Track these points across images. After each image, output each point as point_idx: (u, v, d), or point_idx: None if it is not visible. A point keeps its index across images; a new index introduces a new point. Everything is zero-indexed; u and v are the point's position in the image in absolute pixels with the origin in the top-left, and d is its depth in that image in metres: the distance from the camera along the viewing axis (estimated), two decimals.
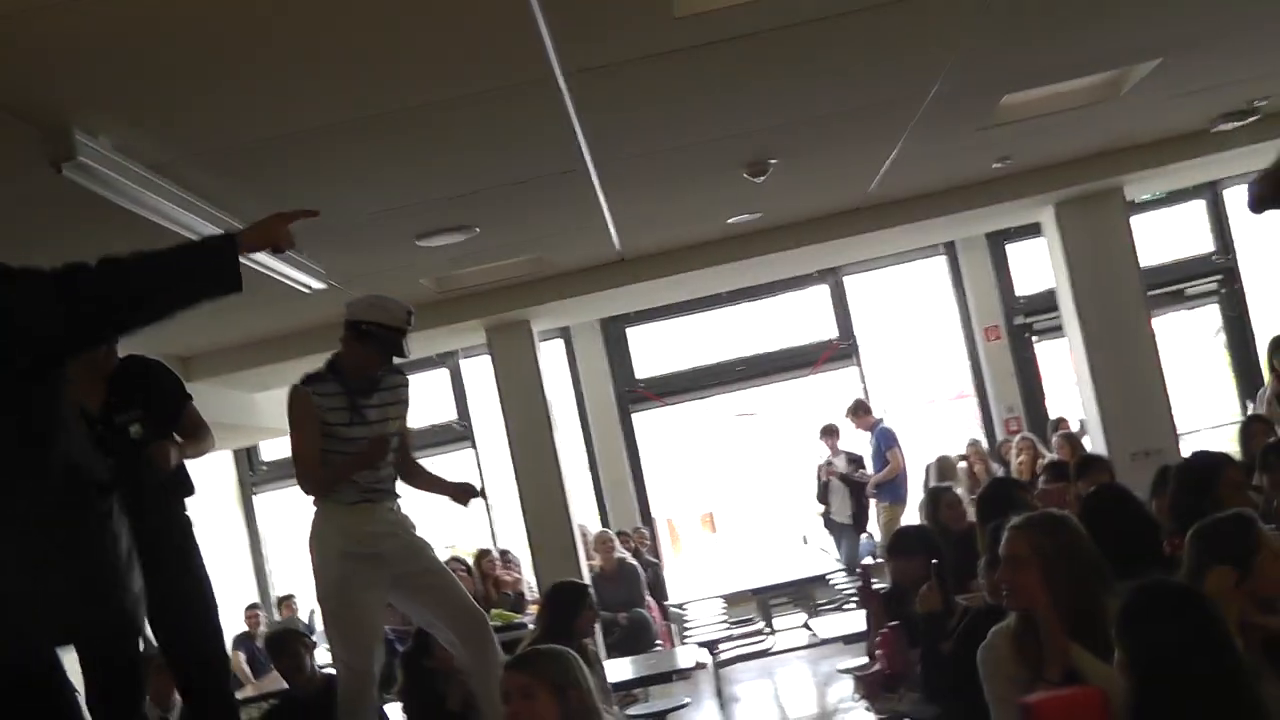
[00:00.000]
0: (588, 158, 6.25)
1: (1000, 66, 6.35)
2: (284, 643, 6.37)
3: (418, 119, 5.22)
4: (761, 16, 4.76)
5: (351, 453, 5.17)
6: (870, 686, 6.12)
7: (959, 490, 8.78)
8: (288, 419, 5.32)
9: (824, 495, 13.09)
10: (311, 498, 5.31)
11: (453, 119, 5.30)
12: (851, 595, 11.43)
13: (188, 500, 5.08)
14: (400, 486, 5.50)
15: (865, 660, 7.20)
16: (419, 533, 5.51)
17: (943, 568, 5.81)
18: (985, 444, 12.92)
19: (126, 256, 3.29)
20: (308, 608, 13.01)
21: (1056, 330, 11.89)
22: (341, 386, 5.23)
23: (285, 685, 6.56)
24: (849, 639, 7.97)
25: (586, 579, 10.16)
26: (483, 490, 5.80)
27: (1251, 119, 8.48)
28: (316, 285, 7.30)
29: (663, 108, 5.76)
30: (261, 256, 6.25)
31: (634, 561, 11.26)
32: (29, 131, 4.31)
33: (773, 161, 7.06)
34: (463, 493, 5.58)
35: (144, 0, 3.63)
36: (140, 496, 4.62)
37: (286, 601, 13.07)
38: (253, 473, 13.85)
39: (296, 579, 13.91)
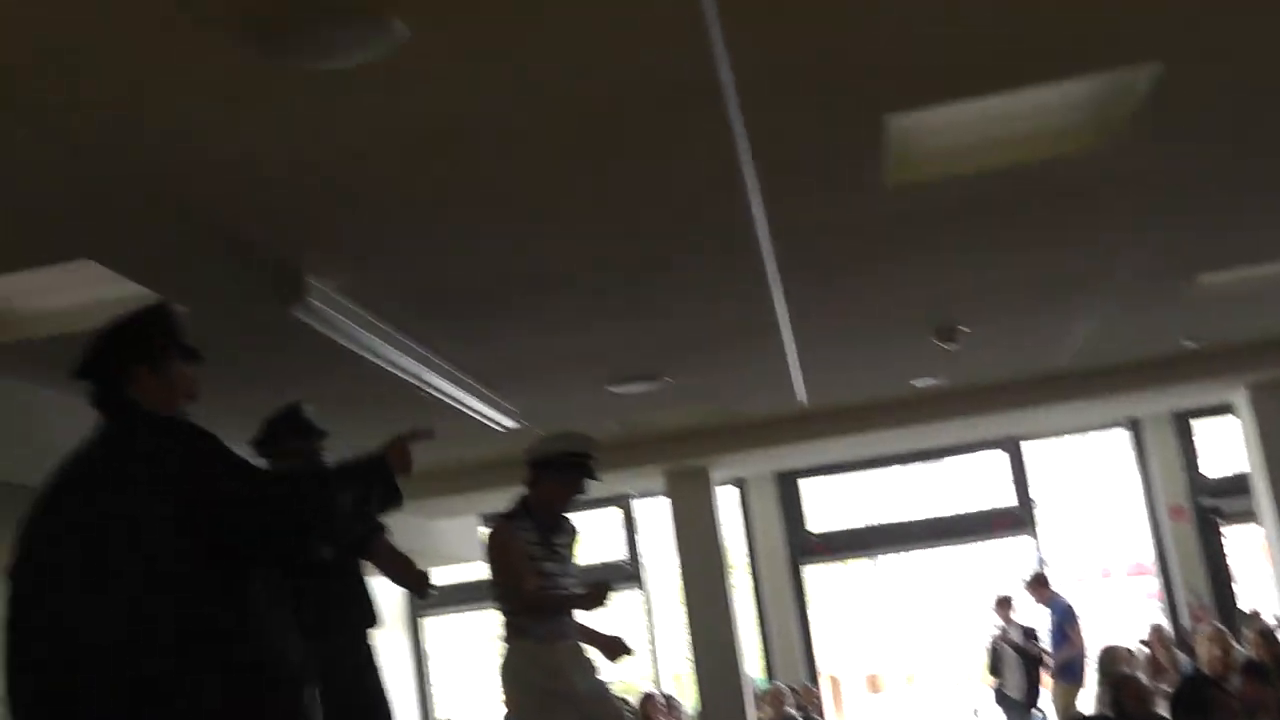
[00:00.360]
0: (782, 315, 6.40)
1: (1198, 246, 6.34)
2: None
3: (623, 275, 5.44)
4: (966, 191, 4.88)
5: (550, 589, 5.35)
6: None
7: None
8: (492, 552, 5.50)
9: (996, 667, 12.77)
10: (505, 633, 5.47)
11: (655, 276, 5.51)
12: None
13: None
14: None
15: None
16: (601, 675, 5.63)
17: None
18: (1170, 629, 12.50)
19: (317, 473, 3.49)
20: None
21: (1247, 515, 11.56)
22: (534, 524, 5.42)
23: None
24: None
25: None
26: (631, 649, 5.88)
27: None
28: (509, 424, 7.54)
29: (861, 270, 5.89)
30: (458, 393, 6.55)
31: (799, 717, 11.13)
32: (264, 273, 4.60)
33: (963, 329, 7.12)
34: (615, 648, 5.67)
35: (372, 158, 3.86)
36: (331, 620, 4.88)
37: None
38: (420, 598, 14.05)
39: (457, 703, 14.09)
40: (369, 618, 5.28)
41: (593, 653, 5.62)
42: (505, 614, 5.50)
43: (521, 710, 5.42)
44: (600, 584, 5.51)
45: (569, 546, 5.62)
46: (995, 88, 4.03)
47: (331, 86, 3.30)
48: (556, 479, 5.51)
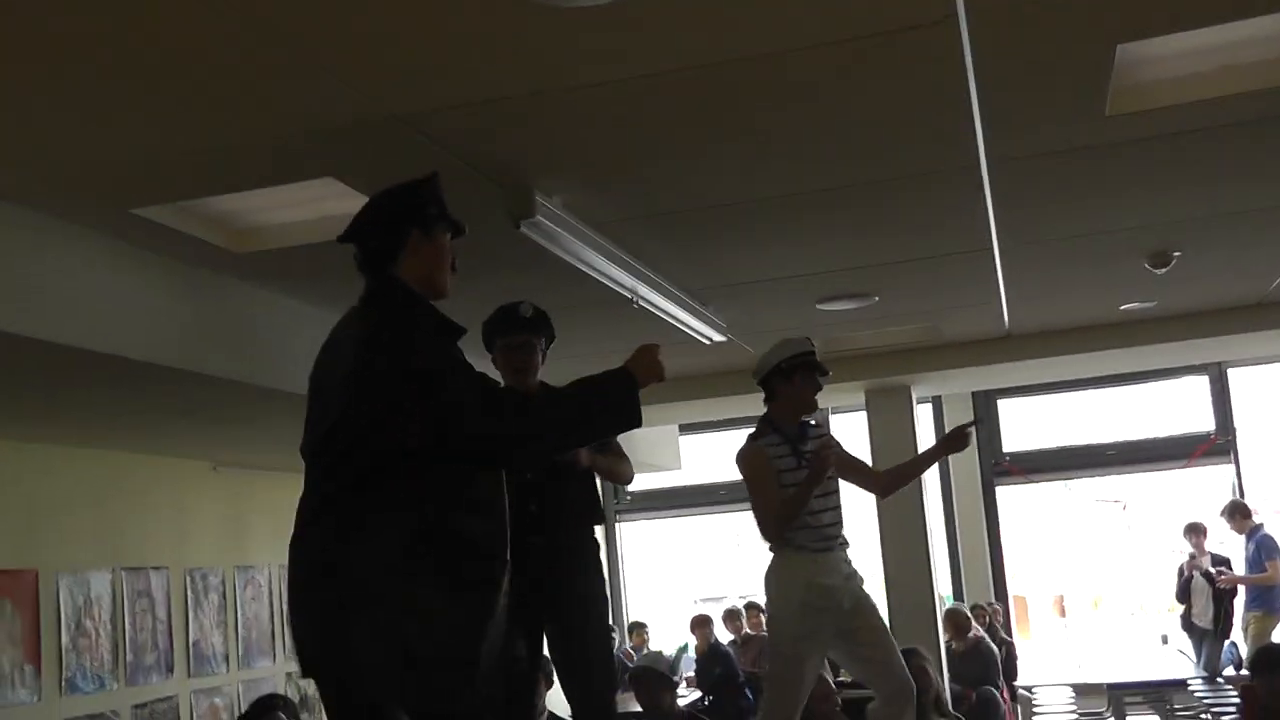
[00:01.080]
0: (994, 240, 6.45)
1: None
2: (646, 682, 6.71)
3: (840, 197, 5.55)
4: (1187, 117, 4.86)
5: (812, 508, 5.52)
6: None
7: None
8: (745, 475, 5.71)
9: (1185, 595, 12.67)
10: (770, 545, 5.70)
11: (872, 198, 5.60)
12: (1211, 705, 11.07)
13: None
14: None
15: None
16: (866, 587, 5.76)
17: None
18: None
19: (564, 392, 3.60)
20: (663, 642, 13.49)
21: None
22: (782, 437, 5.60)
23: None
24: None
25: (942, 649, 10.28)
26: (975, 422, 6.08)
27: None
28: (717, 337, 7.74)
29: (1076, 198, 5.91)
30: (670, 306, 6.76)
31: (989, 639, 11.22)
32: (495, 191, 4.85)
33: (1176, 254, 7.07)
34: (957, 439, 5.94)
35: (609, 90, 4.04)
36: (549, 516, 5.17)
37: (638, 630, 13.61)
38: (617, 501, 14.46)
39: (648, 608, 14.49)
40: (595, 513, 5.56)
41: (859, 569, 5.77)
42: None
43: (781, 619, 5.62)
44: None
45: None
46: (1228, 15, 4.04)
47: (577, 25, 3.49)
48: (788, 385, 5.67)
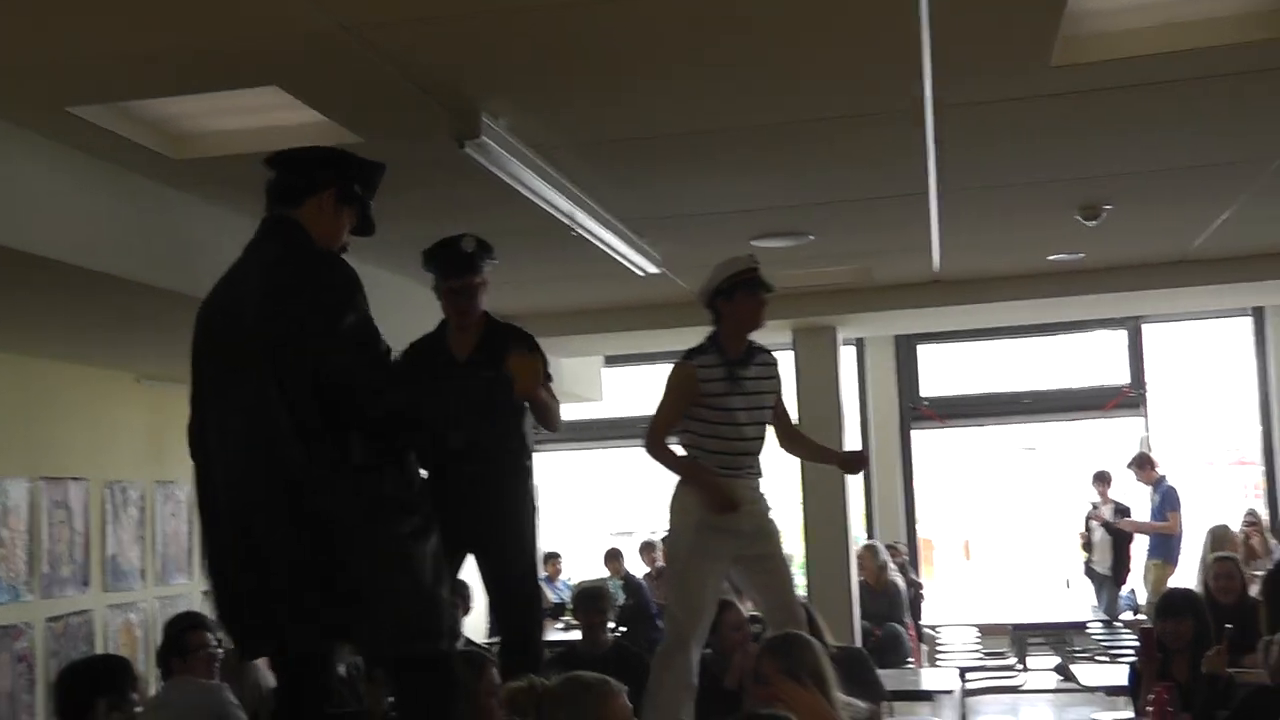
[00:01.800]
0: (932, 185, 6.50)
1: None
2: (596, 599, 6.80)
3: (783, 134, 5.57)
4: (1131, 73, 4.94)
5: (727, 423, 5.49)
6: None
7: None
8: (665, 385, 5.65)
9: (1088, 542, 13.02)
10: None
11: (815, 135, 5.63)
12: (1109, 646, 11.41)
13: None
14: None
15: (1127, 714, 7.24)
16: (772, 515, 5.76)
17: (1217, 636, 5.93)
18: (1265, 517, 12.60)
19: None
20: (577, 573, 13.56)
21: None
22: (720, 358, 5.58)
23: None
24: (1113, 690, 7.98)
25: (855, 590, 10.46)
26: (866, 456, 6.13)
27: None
28: (651, 269, 7.76)
29: (1016, 146, 5.98)
30: (607, 235, 6.76)
31: (896, 578, 11.43)
32: (441, 111, 4.81)
33: (1107, 207, 7.19)
34: (853, 461, 5.97)
35: (555, 7, 4.02)
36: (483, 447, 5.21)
37: (552, 560, 13.67)
38: (537, 431, 14.41)
39: (563, 539, 14.54)
40: (526, 444, 5.60)
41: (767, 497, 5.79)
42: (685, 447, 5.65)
43: (678, 536, 5.62)
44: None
45: (766, 380, 5.67)
46: None
47: None
48: (730, 305, 5.62)
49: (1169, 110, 5.51)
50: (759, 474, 5.69)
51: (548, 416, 5.51)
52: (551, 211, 6.03)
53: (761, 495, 5.70)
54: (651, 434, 5.56)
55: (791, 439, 5.96)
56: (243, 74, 4.48)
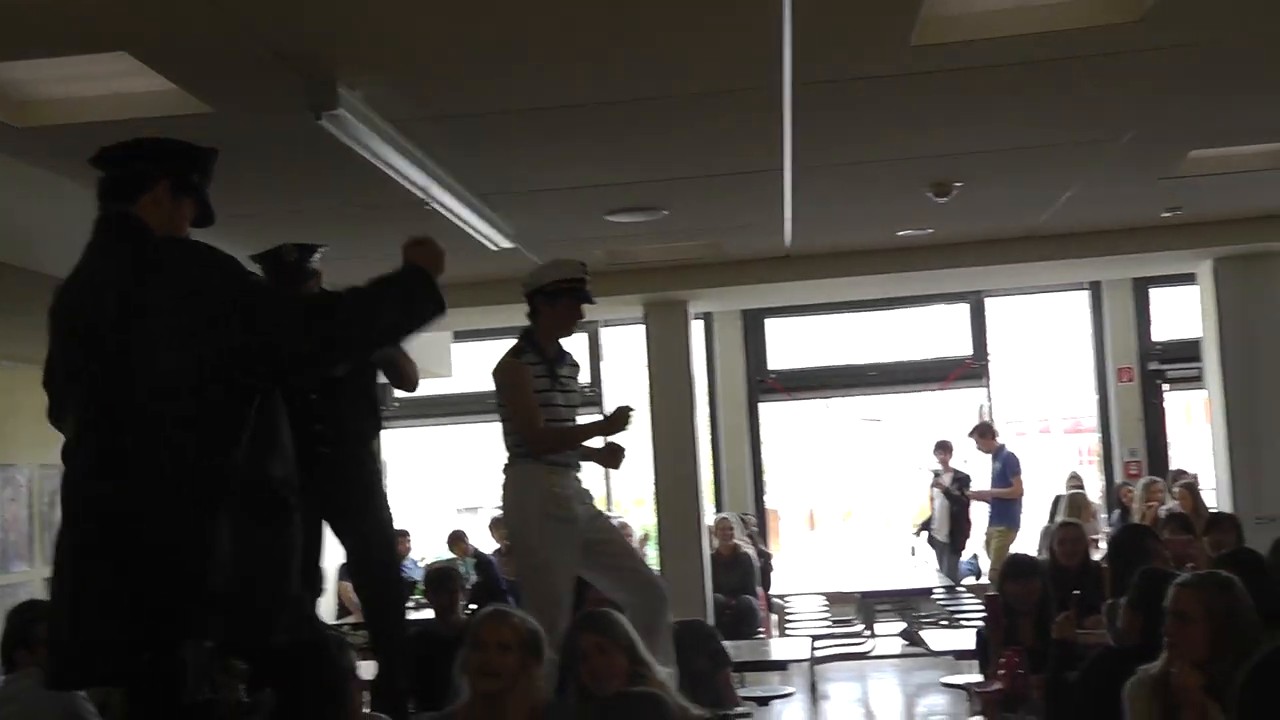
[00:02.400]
0: (787, 161, 6.53)
1: (1193, 123, 6.54)
2: (447, 580, 6.72)
3: (639, 109, 5.53)
4: (987, 53, 5.01)
5: (553, 419, 5.52)
6: (989, 704, 6.35)
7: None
8: (508, 386, 5.60)
9: (930, 509, 13.30)
10: (509, 456, 5.66)
11: (671, 111, 5.61)
12: (952, 611, 11.68)
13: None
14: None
15: (974, 678, 7.41)
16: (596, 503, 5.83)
17: (1062, 599, 6.09)
18: (1089, 481, 13.00)
19: (366, 289, 3.50)
20: (424, 550, 13.42)
21: (1189, 381, 11.99)
22: (540, 357, 5.57)
23: None
24: (960, 654, 8.17)
25: (707, 562, 10.54)
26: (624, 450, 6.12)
27: None
28: (504, 244, 7.67)
29: (873, 124, 6.04)
30: (461, 209, 6.67)
31: (747, 549, 11.54)
32: (297, 82, 4.67)
33: (958, 185, 7.30)
34: (612, 455, 5.88)
35: None
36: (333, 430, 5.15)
37: (400, 537, 13.49)
38: (384, 407, 14.23)
39: (410, 516, 14.37)
40: (375, 424, 5.54)
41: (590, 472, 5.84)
42: (512, 444, 5.65)
43: (522, 530, 5.62)
44: (621, 409, 5.67)
45: (574, 378, 5.76)
46: None
47: None
48: (551, 307, 5.62)
49: (1020, 91, 5.62)
50: (579, 466, 5.73)
51: (405, 377, 5.47)
52: (407, 185, 5.92)
53: (585, 488, 5.75)
54: (534, 432, 5.54)
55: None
56: (89, 37, 4.29)
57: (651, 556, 11.15)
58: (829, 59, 4.99)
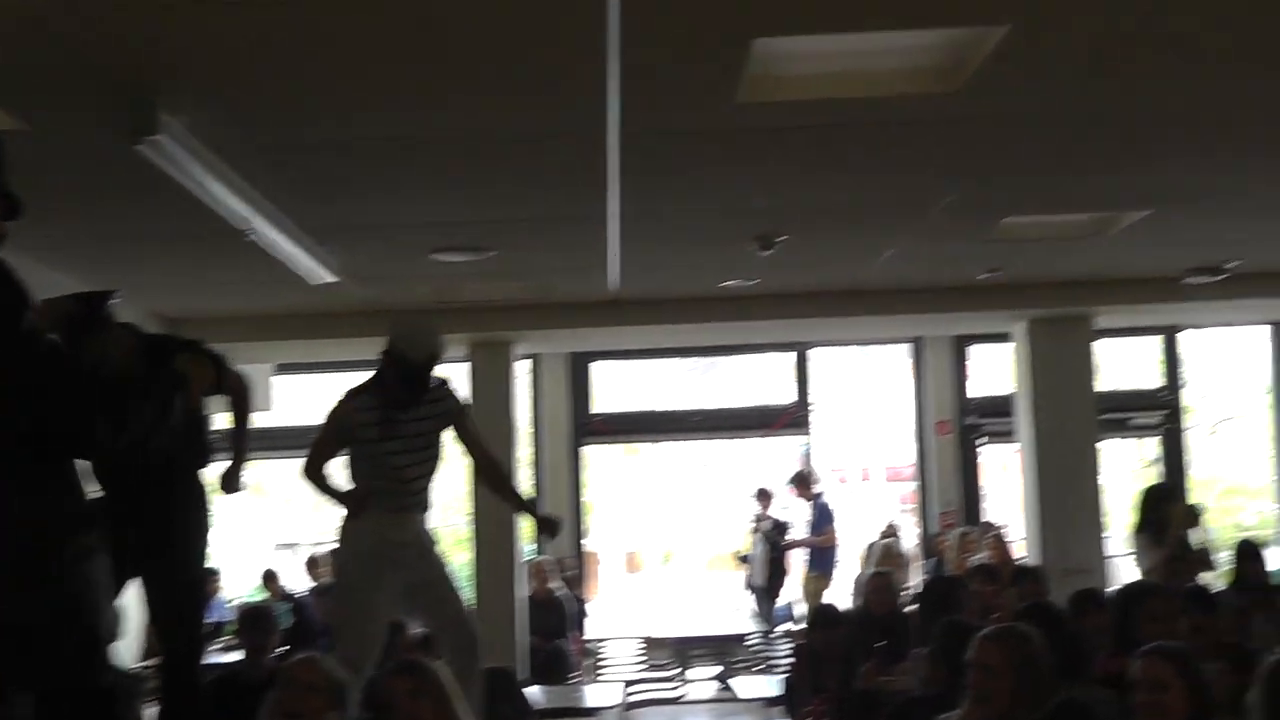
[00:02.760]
0: (614, 207, 6.55)
1: (1007, 191, 6.76)
2: (261, 622, 6.51)
3: (469, 146, 5.50)
4: (811, 114, 5.10)
5: (383, 466, 5.40)
6: None
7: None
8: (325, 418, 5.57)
9: (747, 556, 13.41)
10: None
11: (501, 152, 5.59)
12: (767, 657, 11.77)
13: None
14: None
15: None
16: (437, 548, 5.70)
17: (870, 648, 6.19)
18: (902, 530, 13.24)
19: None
20: (238, 589, 13.10)
21: (1003, 435, 12.31)
22: (377, 400, 5.45)
23: None
24: (770, 701, 8.21)
25: (521, 605, 10.46)
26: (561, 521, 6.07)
27: (1220, 277, 9.04)
28: (327, 278, 7.54)
29: (700, 175, 6.09)
30: (284, 243, 6.54)
31: (563, 592, 11.48)
32: (117, 103, 4.50)
33: (782, 238, 7.39)
34: (549, 525, 5.85)
35: (239, 3, 3.86)
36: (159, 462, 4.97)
37: (211, 576, 13.13)
38: (212, 439, 13.85)
39: (223, 553, 14.00)
40: (203, 456, 5.41)
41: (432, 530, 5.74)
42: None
43: (347, 567, 5.55)
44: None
45: (433, 418, 5.54)
46: (859, 26, 4.26)
47: None
48: (390, 370, 5.52)
49: (843, 151, 5.73)
50: (426, 508, 5.64)
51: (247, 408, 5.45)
52: (227, 217, 5.79)
53: (426, 530, 5.65)
54: (307, 462, 5.50)
55: (489, 479, 5.92)
56: None
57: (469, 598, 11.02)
58: (656, 110, 5.01)
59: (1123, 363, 14.18)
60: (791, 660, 8.36)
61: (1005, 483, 13.85)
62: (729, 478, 15.29)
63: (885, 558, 10.99)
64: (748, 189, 6.39)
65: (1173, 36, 4.40)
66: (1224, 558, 9.07)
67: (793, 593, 13.32)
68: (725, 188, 6.36)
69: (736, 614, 13.68)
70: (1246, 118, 5.53)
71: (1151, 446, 14.10)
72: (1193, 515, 9.03)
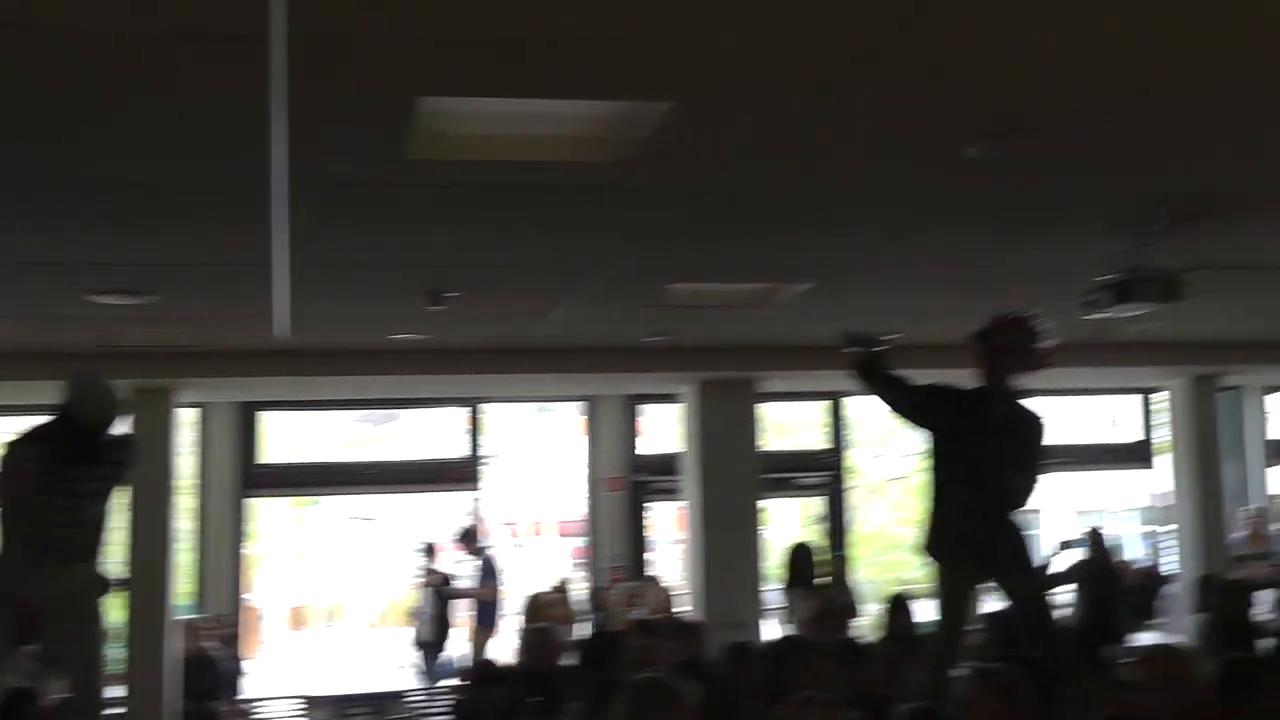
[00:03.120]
0: (280, 256, 6.39)
1: (671, 258, 6.96)
2: None
3: (129, 188, 5.31)
4: (478, 174, 5.15)
5: (37, 515, 5.19)
6: None
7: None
8: None
9: (414, 610, 13.27)
10: None
11: (165, 195, 5.41)
12: (427, 713, 11.63)
13: None
14: None
15: None
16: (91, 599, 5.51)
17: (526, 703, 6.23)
18: (573, 585, 13.37)
19: None
20: None
21: (671, 493, 12.61)
22: (52, 452, 5.21)
23: None
24: None
25: (171, 665, 10.05)
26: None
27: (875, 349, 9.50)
28: None
29: (368, 228, 6.04)
30: None
31: (218, 651, 11.09)
32: None
33: (450, 294, 7.39)
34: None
35: None
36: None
37: None
38: None
39: None
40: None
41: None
42: None
43: None
44: None
45: (99, 482, 5.41)
46: (523, 93, 4.33)
47: None
48: (63, 427, 5.31)
49: (509, 213, 5.79)
50: (88, 558, 5.44)
51: None
52: None
53: (79, 579, 5.42)
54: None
55: None
56: None
57: (119, 656, 10.55)
58: (323, 160, 4.94)
59: (792, 425, 14.80)
60: (450, 718, 8.32)
61: (671, 538, 14.17)
62: (400, 532, 15.11)
63: (548, 612, 11.05)
64: (417, 244, 6.38)
65: (835, 119, 4.63)
66: (875, 610, 9.49)
67: (460, 648, 13.25)
68: (395, 241, 6.32)
69: (401, 671, 13.50)
70: (898, 200, 5.88)
71: (818, 505, 14.70)
72: (840, 570, 9.48)
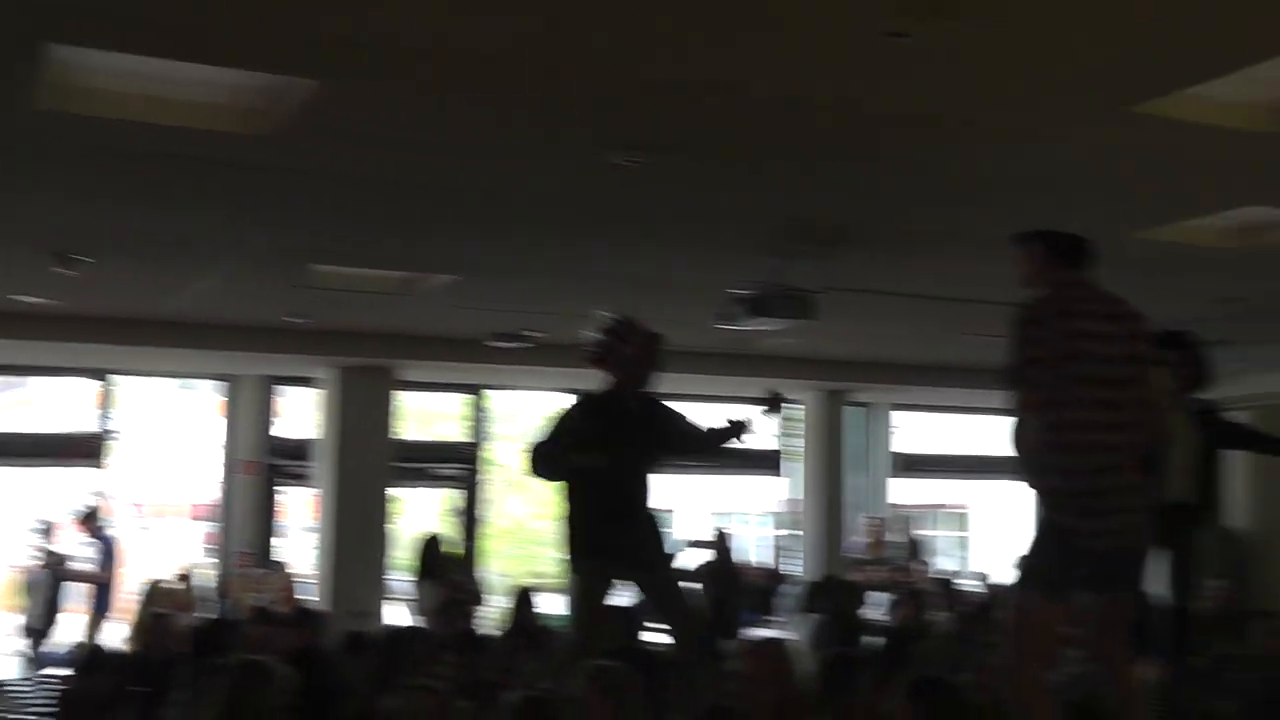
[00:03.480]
0: None
1: (316, 239, 6.92)
2: None
3: None
4: (118, 134, 4.96)
5: None
6: None
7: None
8: None
9: (25, 594, 12.58)
10: None
11: None
12: (33, 705, 11.04)
13: None
14: None
15: None
16: None
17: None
18: (200, 571, 13.00)
19: None
20: None
21: (305, 478, 12.40)
22: None
23: None
24: None
25: None
26: None
27: (521, 344, 9.70)
28: None
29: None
30: None
31: None
32: None
33: (85, 259, 7.08)
34: None
35: None
36: None
37: None
38: None
39: None
40: None
41: None
42: None
43: None
44: None
45: None
46: (158, 52, 4.24)
47: None
48: None
49: (147, 178, 5.63)
50: None
51: None
52: None
53: None
54: None
55: None
56: None
57: None
58: None
59: (434, 415, 14.78)
60: (55, 709, 7.95)
61: (305, 525, 13.94)
62: (15, 509, 14.27)
63: (168, 598, 10.69)
64: (48, 204, 6.10)
65: (481, 116, 4.69)
66: (501, 601, 9.61)
67: (71, 634, 12.63)
68: (23, 200, 6.03)
69: (3, 658, 12.75)
70: (545, 201, 6.01)
71: (455, 497, 14.72)
72: (465, 561, 9.56)
